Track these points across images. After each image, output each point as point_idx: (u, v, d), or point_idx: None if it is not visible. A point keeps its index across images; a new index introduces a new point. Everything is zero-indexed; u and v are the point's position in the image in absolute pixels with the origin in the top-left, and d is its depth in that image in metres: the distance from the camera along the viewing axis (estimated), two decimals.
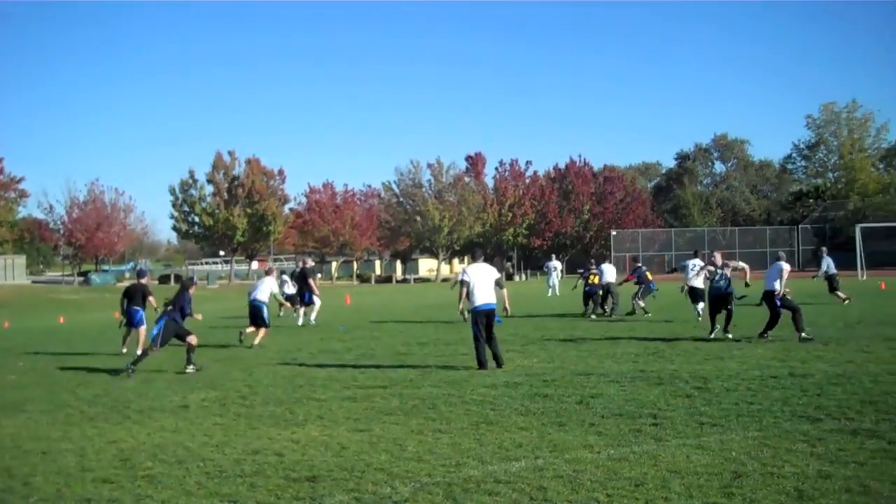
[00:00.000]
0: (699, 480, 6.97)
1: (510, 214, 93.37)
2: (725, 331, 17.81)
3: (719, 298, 17.91)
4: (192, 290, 16.42)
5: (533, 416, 10.03)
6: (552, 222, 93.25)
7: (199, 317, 17.31)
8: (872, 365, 13.00)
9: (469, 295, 14.63)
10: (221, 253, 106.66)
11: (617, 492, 6.74)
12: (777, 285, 17.32)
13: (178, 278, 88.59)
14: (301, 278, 26.95)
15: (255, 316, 20.74)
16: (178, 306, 15.97)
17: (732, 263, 18.24)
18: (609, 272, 27.09)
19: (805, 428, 8.78)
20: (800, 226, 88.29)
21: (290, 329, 25.15)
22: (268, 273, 22.60)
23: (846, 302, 26.38)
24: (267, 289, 20.83)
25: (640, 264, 27.78)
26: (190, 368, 15.46)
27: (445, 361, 15.47)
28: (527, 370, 13.86)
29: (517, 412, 10.27)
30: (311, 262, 26.38)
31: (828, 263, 28.88)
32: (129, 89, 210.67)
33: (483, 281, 14.62)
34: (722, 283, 17.99)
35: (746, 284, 19.36)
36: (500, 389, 11.93)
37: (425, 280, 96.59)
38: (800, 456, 7.67)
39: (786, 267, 17.76)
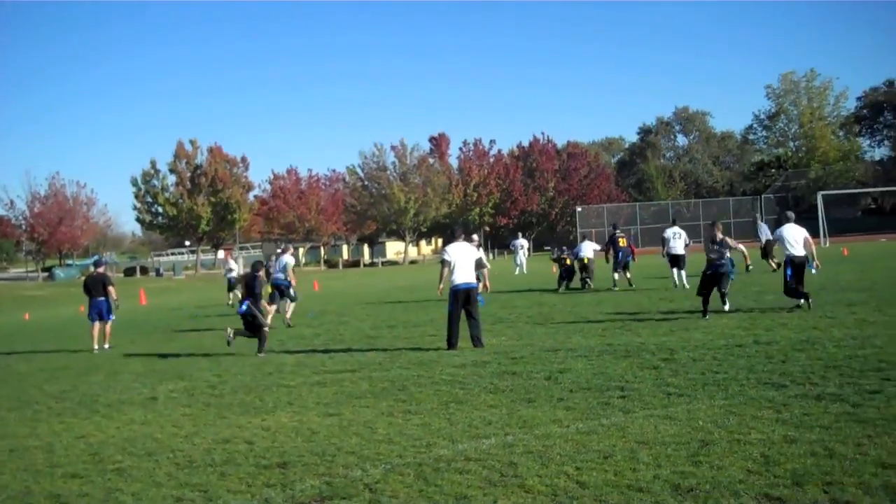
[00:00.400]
0: (667, 450, 7.04)
1: (475, 194, 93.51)
2: (724, 302, 17.05)
3: (714, 277, 16.71)
4: (261, 274, 16.32)
5: (502, 393, 10.07)
6: (518, 200, 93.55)
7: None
8: (836, 330, 13.17)
9: (449, 274, 14.60)
10: (187, 243, 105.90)
11: (586, 464, 6.79)
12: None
13: (143, 270, 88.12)
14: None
15: (282, 294, 21.43)
16: (254, 291, 15.90)
17: (732, 243, 17.15)
18: (587, 248, 27.10)
19: (770, 394, 8.88)
20: (762, 196, 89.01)
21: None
22: (284, 251, 22.91)
23: (775, 270, 26.22)
24: (287, 266, 21.29)
25: (617, 231, 27.43)
26: (262, 354, 15.51)
27: (414, 343, 15.48)
28: (495, 348, 13.91)
29: (486, 390, 10.30)
30: (291, 250, 26.34)
31: (765, 231, 29.30)
32: (86, 80, 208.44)
33: (464, 260, 14.63)
34: (720, 261, 16.73)
35: (748, 268, 19.18)
36: (469, 369, 11.96)
37: (393, 263, 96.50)
38: (765, 422, 7.75)
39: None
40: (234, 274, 33.12)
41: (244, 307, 15.77)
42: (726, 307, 16.85)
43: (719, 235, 16.85)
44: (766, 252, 28.10)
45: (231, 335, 16.04)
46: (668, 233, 24.76)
